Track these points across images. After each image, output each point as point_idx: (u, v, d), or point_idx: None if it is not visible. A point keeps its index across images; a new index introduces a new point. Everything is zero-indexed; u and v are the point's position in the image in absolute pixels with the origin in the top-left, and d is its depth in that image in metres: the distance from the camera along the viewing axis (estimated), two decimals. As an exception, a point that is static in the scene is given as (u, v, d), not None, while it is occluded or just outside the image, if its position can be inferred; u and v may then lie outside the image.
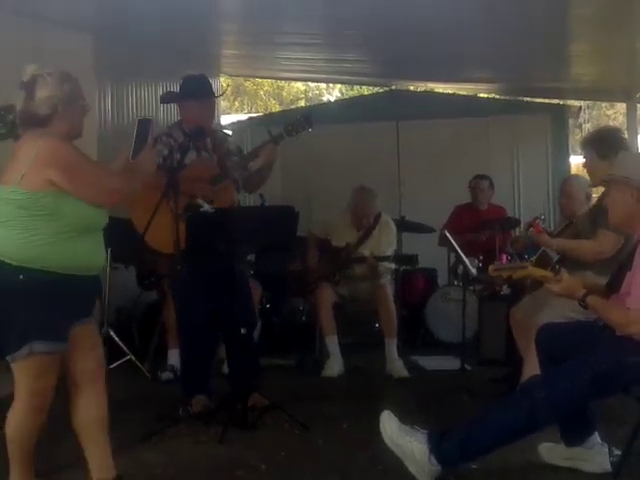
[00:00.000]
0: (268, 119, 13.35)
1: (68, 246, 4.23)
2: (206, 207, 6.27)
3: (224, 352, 7.52)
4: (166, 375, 7.76)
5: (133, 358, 7.75)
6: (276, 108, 27.27)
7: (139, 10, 8.05)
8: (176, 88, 11.31)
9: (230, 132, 6.93)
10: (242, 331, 6.01)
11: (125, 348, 7.78)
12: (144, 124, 4.74)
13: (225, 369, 7.43)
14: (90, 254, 4.38)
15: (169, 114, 11.19)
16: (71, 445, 4.87)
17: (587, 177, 6.73)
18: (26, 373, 4.28)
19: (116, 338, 7.77)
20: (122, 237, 7.65)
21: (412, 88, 13.83)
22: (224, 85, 12.09)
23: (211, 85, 6.80)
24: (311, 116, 6.52)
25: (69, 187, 4.18)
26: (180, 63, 11.06)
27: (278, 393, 6.65)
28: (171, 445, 5.70)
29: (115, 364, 7.63)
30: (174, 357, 7.71)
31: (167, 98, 7.62)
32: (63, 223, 4.21)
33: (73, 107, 4.37)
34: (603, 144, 6.09)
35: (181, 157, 6.20)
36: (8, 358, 4.26)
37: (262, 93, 27.45)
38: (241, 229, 6.08)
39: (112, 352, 7.66)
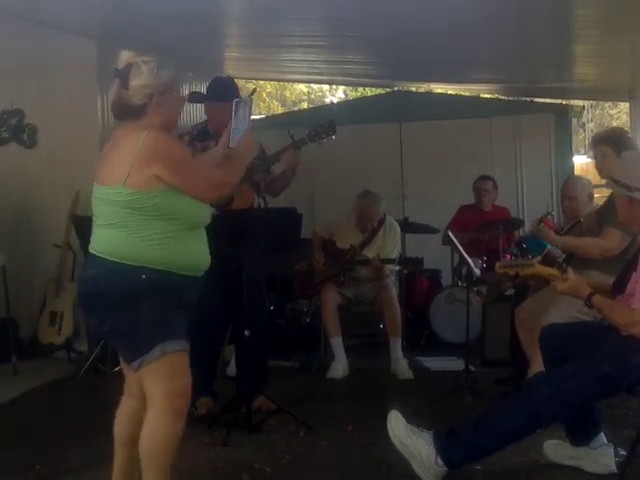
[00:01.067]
0: (271, 121, 13.38)
1: (180, 244, 4.02)
2: (211, 209, 6.29)
3: (228, 353, 7.57)
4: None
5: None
6: (279, 110, 27.30)
7: (142, 14, 8.08)
8: (180, 90, 11.47)
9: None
10: (246, 333, 6.00)
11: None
12: (242, 106, 4.29)
13: (229, 371, 7.45)
14: (200, 252, 4.20)
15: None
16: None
17: (588, 177, 6.71)
18: (160, 376, 3.99)
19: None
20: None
21: (414, 89, 13.85)
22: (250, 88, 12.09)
23: (237, 88, 6.77)
24: (335, 122, 6.50)
25: (176, 182, 3.96)
26: (184, 66, 11.10)
27: (283, 395, 6.62)
28: (175, 448, 5.69)
29: (118, 367, 7.63)
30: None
31: (194, 98, 7.63)
32: (174, 221, 4.00)
33: (168, 97, 4.10)
34: (620, 141, 6.09)
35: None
36: (134, 364, 4.00)
37: (265, 95, 27.44)
38: (245, 231, 6.09)
39: (115, 356, 7.68)
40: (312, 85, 27.14)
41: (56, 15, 8.40)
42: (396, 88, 13.10)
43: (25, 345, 8.58)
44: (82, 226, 8.09)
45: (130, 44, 9.20)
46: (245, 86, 15.23)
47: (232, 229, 6.15)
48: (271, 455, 5.49)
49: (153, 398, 4.02)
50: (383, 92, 14.69)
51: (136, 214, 3.95)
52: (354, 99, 21.01)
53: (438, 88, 14.98)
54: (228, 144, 4.26)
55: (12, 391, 7.24)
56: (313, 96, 30.12)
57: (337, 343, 8.00)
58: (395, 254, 8.34)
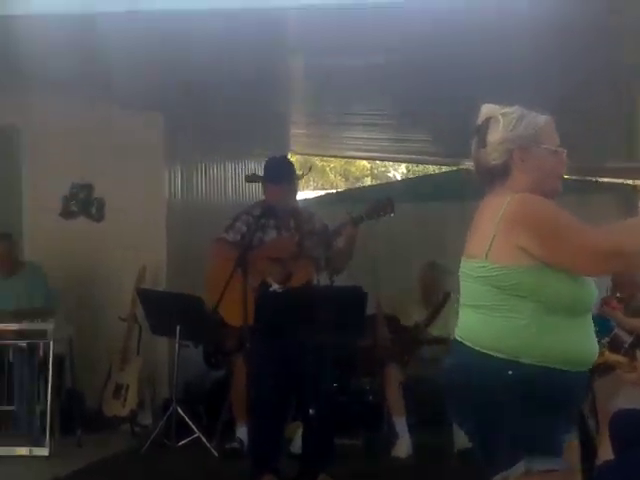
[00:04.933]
0: (333, 197, 13.45)
1: (556, 333, 3.27)
2: (275, 287, 6.35)
3: (292, 431, 7.53)
4: (232, 445, 7.73)
5: (201, 436, 7.73)
6: (342, 184, 27.44)
7: (208, 90, 8.19)
8: (245, 166, 11.62)
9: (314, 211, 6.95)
10: (310, 412, 5.98)
11: (193, 426, 7.78)
12: None
13: (293, 448, 7.41)
14: (581, 344, 3.35)
15: (241, 192, 11.37)
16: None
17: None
18: None
19: (184, 415, 7.77)
20: (190, 315, 7.76)
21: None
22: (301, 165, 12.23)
23: (293, 167, 6.89)
24: (393, 201, 6.51)
25: (543, 255, 3.24)
26: (249, 142, 11.24)
27: (345, 474, 6.58)
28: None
29: (183, 442, 7.65)
30: (242, 433, 7.69)
31: (252, 179, 7.74)
32: (546, 304, 3.27)
33: (534, 152, 3.40)
34: None
35: (261, 235, 6.44)
36: (497, 477, 3.28)
37: (329, 170, 27.65)
38: (309, 309, 6.10)
39: (181, 429, 7.69)
40: (375, 161, 27.29)
41: (124, 91, 8.55)
42: (462, 166, 13.10)
43: (90, 417, 8.61)
44: (148, 299, 8.19)
45: (196, 119, 9.44)
46: (309, 161, 15.43)
47: (292, 306, 6.19)
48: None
49: None
50: (448, 170, 14.69)
51: (500, 293, 3.30)
52: (418, 177, 21.04)
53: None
54: None
55: (76, 464, 7.27)
56: (376, 171, 30.25)
57: (401, 422, 7.92)
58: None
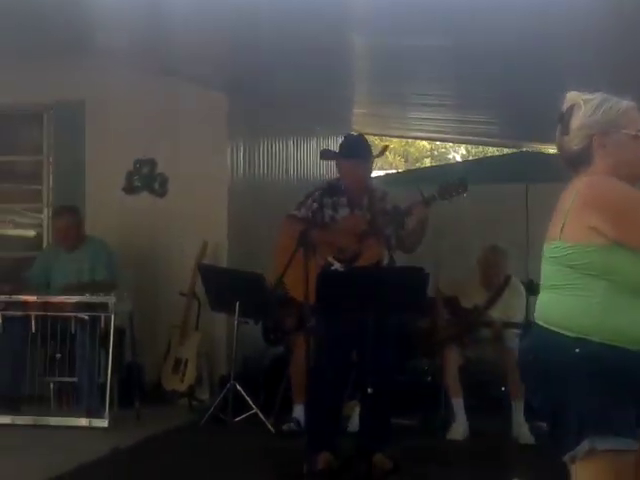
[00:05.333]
0: (394, 178, 13.41)
1: (625, 312, 3.27)
2: (336, 265, 6.36)
3: (350, 409, 7.54)
4: (290, 426, 7.75)
5: (258, 412, 7.77)
6: (402, 166, 27.37)
7: (272, 70, 8.21)
8: (307, 143, 11.63)
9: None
10: (369, 391, 5.99)
11: (251, 402, 7.82)
12: None
13: (350, 427, 7.42)
14: None
15: (302, 170, 11.38)
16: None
17: None
18: (591, 476, 3.29)
19: (242, 391, 7.81)
20: (250, 292, 7.79)
21: (542, 150, 13.74)
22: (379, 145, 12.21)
23: (369, 146, 6.83)
24: (466, 180, 6.49)
25: (616, 235, 3.25)
26: (311, 120, 11.25)
27: (401, 454, 6.57)
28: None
29: (240, 417, 7.70)
30: (299, 412, 7.72)
31: (326, 155, 7.72)
32: (616, 283, 3.28)
33: (614, 137, 3.40)
34: None
35: (333, 213, 6.46)
36: (566, 457, 3.27)
37: (388, 151, 27.56)
38: (371, 289, 6.10)
39: (238, 405, 7.74)
40: (436, 142, 27.18)
41: (190, 68, 8.60)
42: (524, 149, 13.02)
43: (149, 390, 8.70)
44: (208, 275, 8.24)
45: (259, 98, 9.47)
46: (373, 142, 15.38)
47: (358, 285, 6.18)
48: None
49: None
50: (510, 152, 14.59)
51: (572, 272, 3.34)
52: (479, 158, 20.92)
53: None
54: None
55: (134, 436, 7.33)
56: (436, 152, 30.13)
57: (458, 404, 7.89)
58: (519, 317, 8.23)
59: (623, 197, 3.34)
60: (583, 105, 3.43)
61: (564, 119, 3.46)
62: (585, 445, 3.20)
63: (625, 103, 3.45)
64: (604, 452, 3.20)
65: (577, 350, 3.25)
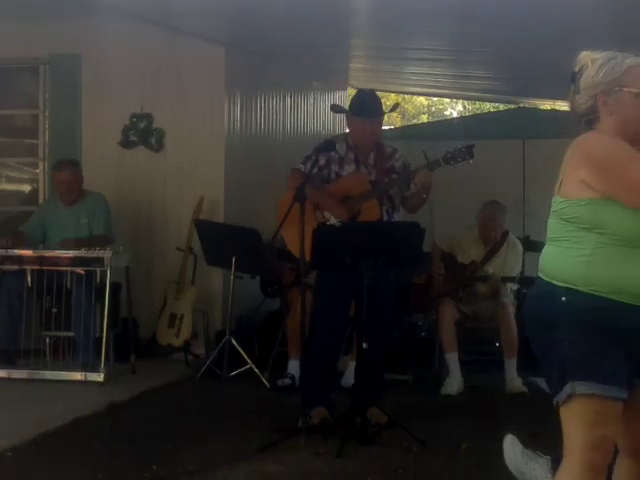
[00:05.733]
0: (391, 133, 13.36)
1: (615, 264, 3.34)
2: (333, 221, 6.36)
3: (343, 364, 7.58)
4: (284, 382, 7.78)
5: (253, 367, 7.81)
6: (398, 122, 27.28)
7: (270, 24, 8.16)
8: (305, 98, 11.59)
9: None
10: (364, 346, 6.01)
11: (246, 356, 7.86)
12: None
13: (344, 382, 7.47)
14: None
15: (295, 125, 11.34)
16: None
17: None
18: (572, 421, 3.37)
19: (237, 346, 7.84)
20: (247, 246, 7.80)
21: (539, 106, 13.71)
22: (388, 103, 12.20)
23: (380, 102, 6.76)
24: (473, 147, 6.47)
25: (602, 188, 3.33)
26: (308, 75, 11.20)
27: (396, 409, 6.60)
28: (289, 457, 5.68)
29: (235, 372, 7.74)
30: (294, 367, 7.77)
31: (337, 109, 7.69)
32: (606, 235, 3.34)
33: (615, 95, 3.44)
34: None
35: (338, 169, 6.46)
36: (554, 401, 3.40)
37: (385, 107, 27.46)
38: (367, 244, 6.10)
39: (233, 360, 7.77)
40: (432, 98, 27.09)
41: (187, 21, 8.54)
42: (521, 105, 12.98)
43: (144, 345, 8.74)
44: (205, 230, 8.24)
45: (257, 51, 9.42)
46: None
47: (353, 240, 6.18)
48: (384, 469, 5.45)
49: (568, 447, 3.40)
50: (504, 108, 14.56)
51: (567, 226, 3.43)
52: (476, 115, 20.84)
53: (564, 106, 14.78)
54: None
55: (130, 390, 7.37)
56: (434, 108, 30.03)
57: (453, 359, 7.93)
58: (516, 272, 8.26)
59: (610, 152, 3.39)
60: (590, 64, 3.46)
61: (575, 79, 3.49)
62: (567, 389, 3.30)
63: (630, 60, 3.46)
64: (585, 397, 3.29)
65: (563, 299, 3.36)
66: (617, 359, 3.33)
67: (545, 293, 3.46)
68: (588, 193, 3.35)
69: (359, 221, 6.41)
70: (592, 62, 3.47)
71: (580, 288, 3.34)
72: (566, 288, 3.37)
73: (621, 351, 3.34)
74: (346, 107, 7.02)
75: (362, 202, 6.42)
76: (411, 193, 6.53)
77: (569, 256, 3.41)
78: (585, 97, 3.48)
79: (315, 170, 6.39)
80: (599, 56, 3.48)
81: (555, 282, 3.41)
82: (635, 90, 3.42)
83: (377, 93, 7.05)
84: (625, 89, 3.42)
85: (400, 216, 6.76)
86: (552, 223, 3.50)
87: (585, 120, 3.52)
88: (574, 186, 3.38)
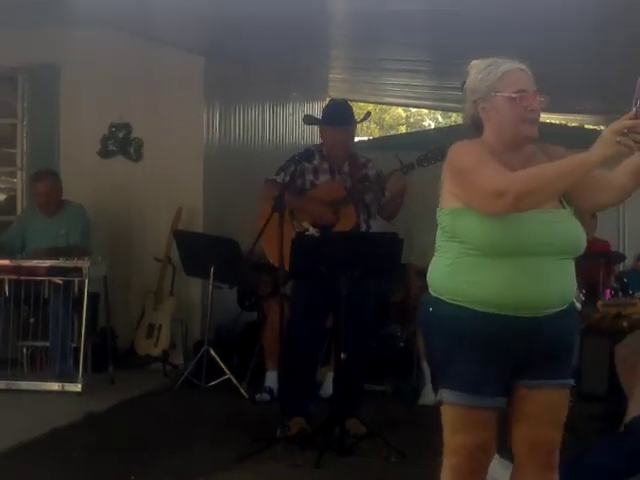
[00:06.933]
0: (370, 144, 13.40)
1: (470, 274, 3.33)
2: (312, 231, 6.37)
3: (322, 375, 7.57)
4: (263, 397, 7.76)
5: (232, 377, 7.79)
6: (376, 133, 27.35)
7: (249, 34, 8.16)
8: (283, 108, 11.59)
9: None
10: (342, 356, 6.01)
11: (224, 367, 7.84)
12: None
13: (323, 392, 7.46)
14: (505, 286, 3.29)
15: (278, 135, 11.34)
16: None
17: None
18: (444, 425, 3.50)
19: (216, 357, 7.83)
20: (226, 257, 7.78)
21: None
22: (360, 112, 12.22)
23: (352, 111, 6.81)
24: (445, 148, 6.48)
25: (462, 196, 3.34)
26: (288, 85, 11.21)
27: (375, 419, 6.61)
28: (267, 467, 5.69)
29: (213, 382, 7.72)
30: (271, 379, 7.75)
31: (308, 121, 7.70)
32: (464, 245, 3.35)
33: (492, 100, 3.40)
34: None
35: (313, 178, 6.50)
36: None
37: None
38: (345, 254, 6.10)
39: (211, 370, 7.75)
40: (411, 109, 27.14)
41: (166, 31, 8.54)
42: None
43: (122, 355, 8.71)
44: (183, 241, 8.22)
45: (236, 61, 9.42)
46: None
47: (332, 250, 6.18)
48: (362, 479, 5.47)
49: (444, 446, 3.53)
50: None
51: (442, 236, 3.44)
52: (454, 125, 20.91)
53: (542, 117, 14.87)
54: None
55: (108, 400, 7.35)
56: (412, 119, 30.10)
57: (429, 369, 7.92)
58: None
59: (464, 158, 3.38)
60: (471, 72, 3.48)
61: (463, 88, 3.52)
62: (438, 396, 3.46)
63: (505, 66, 3.43)
64: (449, 405, 3.42)
65: (430, 309, 3.45)
66: (483, 368, 3.35)
67: (422, 303, 3.56)
68: (454, 202, 3.37)
69: (337, 231, 6.43)
70: (473, 69, 3.48)
71: (443, 298, 3.39)
72: (435, 298, 3.43)
73: (490, 359, 3.35)
74: (319, 118, 7.04)
75: (340, 208, 6.44)
76: (386, 199, 6.54)
77: (438, 265, 3.46)
78: (468, 105, 3.49)
79: (288, 179, 6.42)
80: (480, 63, 3.47)
81: (431, 291, 3.47)
82: (507, 94, 3.38)
83: (356, 104, 7.08)
84: (499, 94, 3.39)
85: (379, 227, 6.78)
86: (437, 233, 3.51)
87: (475, 128, 3.50)
88: (445, 196, 3.41)
